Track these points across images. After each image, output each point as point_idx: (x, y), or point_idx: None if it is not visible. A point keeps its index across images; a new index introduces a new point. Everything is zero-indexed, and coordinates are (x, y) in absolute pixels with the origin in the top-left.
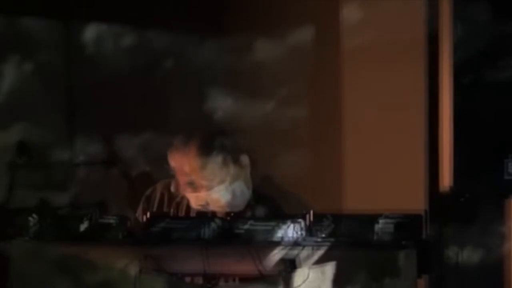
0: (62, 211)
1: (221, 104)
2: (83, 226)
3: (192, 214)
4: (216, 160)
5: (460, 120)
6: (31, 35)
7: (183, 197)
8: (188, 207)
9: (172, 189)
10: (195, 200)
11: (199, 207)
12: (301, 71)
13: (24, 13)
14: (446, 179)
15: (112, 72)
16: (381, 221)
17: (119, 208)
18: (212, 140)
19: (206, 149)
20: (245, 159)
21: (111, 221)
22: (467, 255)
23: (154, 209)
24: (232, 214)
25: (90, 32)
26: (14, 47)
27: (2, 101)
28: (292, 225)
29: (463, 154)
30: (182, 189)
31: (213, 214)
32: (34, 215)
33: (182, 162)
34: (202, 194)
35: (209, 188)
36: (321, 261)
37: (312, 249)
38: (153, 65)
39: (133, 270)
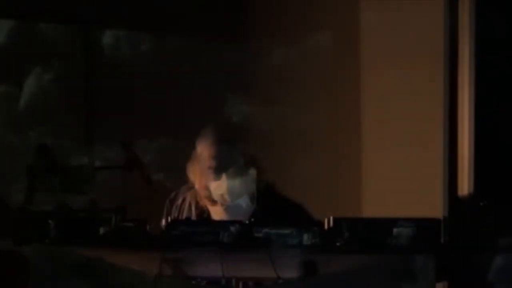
0: (82, 215)
1: (239, 110)
2: (102, 230)
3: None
4: (238, 170)
5: (479, 124)
6: (51, 42)
7: (206, 200)
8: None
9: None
10: (215, 212)
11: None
12: (319, 76)
13: (44, 21)
14: (465, 185)
15: (130, 77)
16: (398, 225)
17: (139, 212)
18: (234, 148)
19: (227, 161)
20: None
21: (131, 225)
22: (487, 261)
23: (178, 214)
24: (252, 219)
25: (109, 38)
26: (35, 54)
27: (23, 106)
28: (310, 231)
29: (482, 159)
30: (202, 202)
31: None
32: (54, 219)
33: (201, 175)
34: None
35: (228, 200)
36: (339, 266)
37: (331, 254)
38: (171, 71)
39: (151, 274)
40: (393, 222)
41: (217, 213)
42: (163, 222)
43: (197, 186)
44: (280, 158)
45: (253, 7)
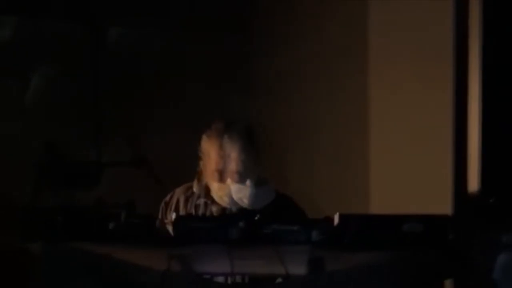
0: (89, 211)
1: (245, 105)
2: (110, 227)
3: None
4: (254, 147)
5: (488, 122)
6: (59, 38)
7: (204, 200)
8: (206, 208)
9: (195, 189)
10: (218, 193)
11: (222, 203)
12: (327, 72)
13: (51, 16)
14: (474, 182)
15: (138, 74)
16: (406, 222)
17: (146, 209)
18: (252, 129)
19: (247, 134)
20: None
21: (138, 221)
22: (495, 258)
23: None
24: (258, 215)
25: (117, 33)
26: (42, 50)
27: (30, 101)
28: (318, 227)
29: (491, 156)
30: (209, 177)
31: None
32: (61, 215)
33: (219, 144)
34: (227, 188)
35: (238, 179)
36: (346, 263)
37: (339, 251)
38: (177, 66)
39: (159, 270)
40: (401, 219)
41: (220, 193)
42: (157, 223)
43: (207, 160)
44: (288, 156)
45: (257, 5)
